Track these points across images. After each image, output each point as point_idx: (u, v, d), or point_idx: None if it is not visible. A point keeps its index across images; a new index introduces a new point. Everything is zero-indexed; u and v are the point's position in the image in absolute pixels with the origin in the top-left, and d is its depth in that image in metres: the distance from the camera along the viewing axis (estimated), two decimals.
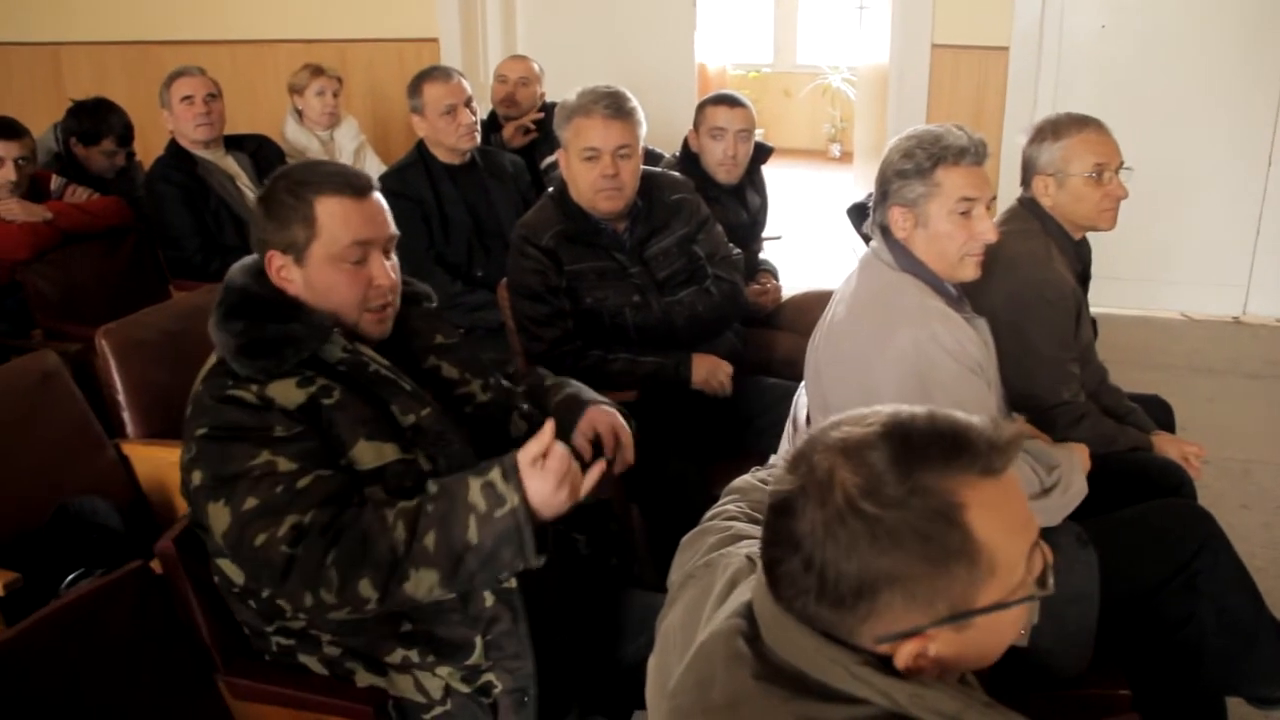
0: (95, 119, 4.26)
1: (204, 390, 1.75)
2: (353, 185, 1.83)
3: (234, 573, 1.77)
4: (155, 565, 1.84)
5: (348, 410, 1.74)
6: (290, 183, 1.84)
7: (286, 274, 1.83)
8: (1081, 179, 2.50)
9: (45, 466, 2.55)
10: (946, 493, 0.96)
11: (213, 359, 1.81)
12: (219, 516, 1.67)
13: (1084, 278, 2.65)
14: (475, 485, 1.65)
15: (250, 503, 1.65)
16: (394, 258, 1.90)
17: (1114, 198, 2.52)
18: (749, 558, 1.24)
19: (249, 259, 1.89)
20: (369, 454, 1.74)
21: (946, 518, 0.96)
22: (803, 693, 0.99)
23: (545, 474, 1.63)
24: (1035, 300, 2.41)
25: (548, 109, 4.47)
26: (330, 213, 1.80)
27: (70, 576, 2.35)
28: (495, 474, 1.65)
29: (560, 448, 1.64)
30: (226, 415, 1.70)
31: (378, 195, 1.88)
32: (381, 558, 1.62)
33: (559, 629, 1.88)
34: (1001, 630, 1.02)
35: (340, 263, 1.81)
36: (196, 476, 1.71)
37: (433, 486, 1.69)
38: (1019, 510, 1.01)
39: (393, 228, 1.89)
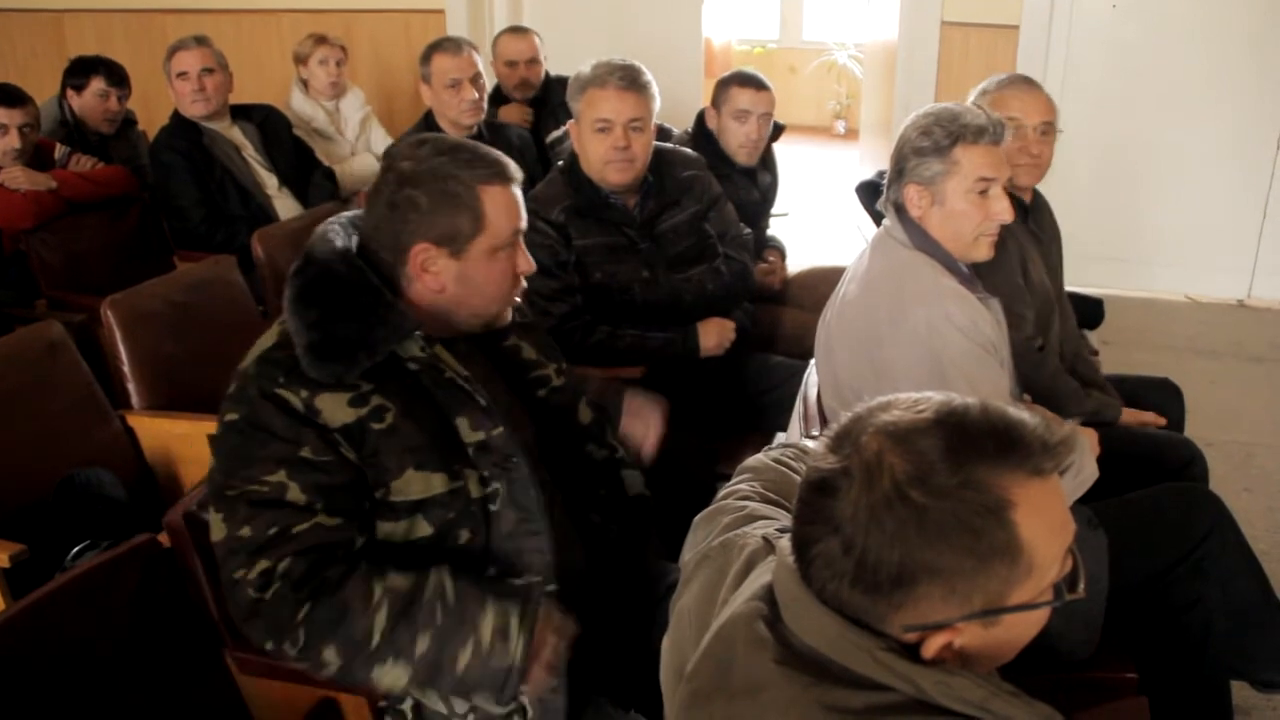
0: (84, 63, 4.29)
1: (254, 374, 1.64)
2: (504, 174, 1.75)
3: None
4: (163, 538, 1.82)
5: (398, 435, 1.64)
6: (450, 169, 1.71)
7: (434, 268, 1.71)
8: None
9: (50, 437, 2.55)
10: (998, 489, 0.95)
11: (274, 335, 1.68)
12: (216, 526, 1.62)
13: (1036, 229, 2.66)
14: (489, 618, 1.60)
15: (244, 531, 1.58)
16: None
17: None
18: (766, 539, 1.22)
19: (335, 226, 1.77)
20: (416, 485, 1.65)
21: (996, 514, 0.95)
22: (825, 678, 0.98)
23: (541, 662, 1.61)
24: None
25: (549, 83, 4.43)
26: (495, 202, 1.72)
27: (76, 549, 2.35)
28: (514, 618, 1.60)
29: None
30: (263, 413, 1.61)
31: None
32: (353, 636, 1.57)
33: (591, 619, 1.81)
34: (1025, 629, 1.02)
35: (499, 253, 1.74)
36: (212, 461, 1.65)
37: (449, 587, 1.61)
38: (1061, 513, 1.01)
39: None
